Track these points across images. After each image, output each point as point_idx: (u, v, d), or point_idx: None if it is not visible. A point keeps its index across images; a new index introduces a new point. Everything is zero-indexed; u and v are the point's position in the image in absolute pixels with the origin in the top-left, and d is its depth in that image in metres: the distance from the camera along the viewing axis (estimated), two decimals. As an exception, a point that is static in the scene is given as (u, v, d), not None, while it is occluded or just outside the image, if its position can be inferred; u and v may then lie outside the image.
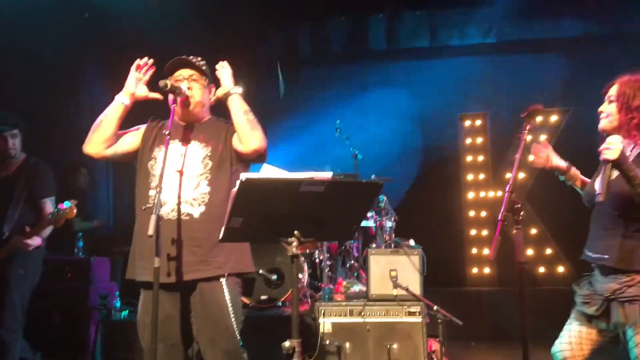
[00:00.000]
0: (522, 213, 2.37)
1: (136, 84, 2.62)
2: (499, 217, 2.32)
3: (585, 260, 2.42)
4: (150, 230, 2.11)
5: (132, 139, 2.68)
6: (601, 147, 2.20)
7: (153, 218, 2.13)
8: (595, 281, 2.37)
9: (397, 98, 6.59)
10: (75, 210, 3.57)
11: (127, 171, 2.94)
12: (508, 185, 2.38)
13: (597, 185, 2.33)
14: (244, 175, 1.85)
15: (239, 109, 2.57)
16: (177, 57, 2.66)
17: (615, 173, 2.29)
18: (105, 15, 5.94)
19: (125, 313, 4.93)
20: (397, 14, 6.68)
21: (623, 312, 2.20)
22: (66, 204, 3.53)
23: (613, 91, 2.34)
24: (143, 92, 2.64)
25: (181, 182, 2.48)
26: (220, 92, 2.65)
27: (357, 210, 2.17)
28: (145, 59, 2.63)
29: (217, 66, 2.67)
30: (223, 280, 2.48)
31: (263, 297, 4.80)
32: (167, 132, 2.37)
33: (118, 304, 5.00)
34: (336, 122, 5.66)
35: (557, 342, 2.49)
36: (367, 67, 6.79)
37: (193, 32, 6.14)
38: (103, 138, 2.59)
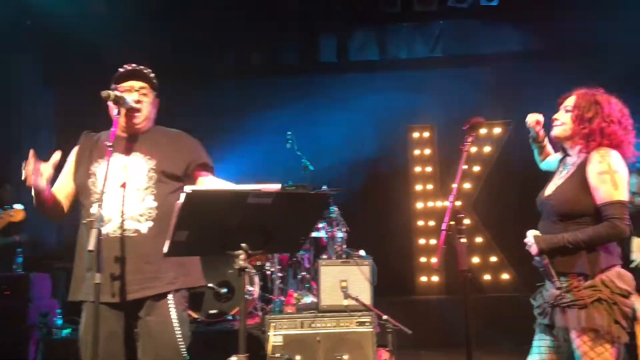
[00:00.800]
0: (465, 222, 2.43)
1: (40, 182, 2.37)
2: (443, 227, 2.37)
3: (535, 265, 2.47)
4: (91, 245, 2.03)
5: (69, 179, 2.58)
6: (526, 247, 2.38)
7: (94, 232, 2.06)
8: (545, 291, 2.42)
9: (348, 110, 6.67)
10: (22, 215, 3.41)
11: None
12: (451, 196, 2.44)
13: (547, 190, 2.47)
14: (188, 188, 1.82)
15: None
16: (130, 66, 2.57)
17: (562, 178, 2.41)
18: (48, 22, 5.77)
19: (67, 331, 4.75)
20: (348, 28, 6.79)
21: (563, 318, 2.25)
22: (16, 206, 3.39)
23: (570, 102, 2.43)
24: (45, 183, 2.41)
25: (124, 196, 2.40)
26: None
27: (306, 221, 2.17)
28: (28, 163, 2.33)
29: None
30: (170, 296, 2.42)
31: (212, 311, 4.73)
32: (109, 144, 2.28)
33: (60, 322, 4.82)
34: (287, 134, 5.68)
35: (528, 358, 2.49)
36: (318, 79, 6.84)
37: (141, 41, 6.04)
38: (54, 213, 2.53)
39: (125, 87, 2.53)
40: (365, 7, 6.43)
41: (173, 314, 2.41)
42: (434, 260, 6.56)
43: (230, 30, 6.53)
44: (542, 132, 2.73)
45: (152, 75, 2.61)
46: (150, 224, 2.41)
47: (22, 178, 2.33)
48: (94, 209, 2.37)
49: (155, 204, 2.44)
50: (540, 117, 2.68)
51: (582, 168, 2.32)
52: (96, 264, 2.11)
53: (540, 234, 2.36)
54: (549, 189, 2.47)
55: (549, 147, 2.77)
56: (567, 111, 2.43)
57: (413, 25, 6.80)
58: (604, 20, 5.80)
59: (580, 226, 2.28)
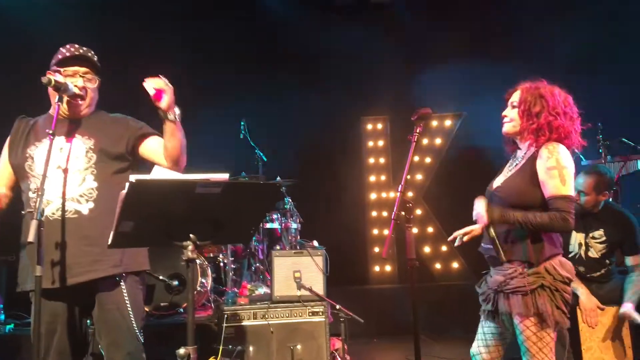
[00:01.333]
0: (416, 212, 2.48)
1: None
2: (392, 217, 2.41)
3: (481, 252, 2.53)
4: (31, 237, 1.96)
5: (6, 166, 2.49)
6: (474, 216, 2.39)
7: (33, 224, 1.98)
8: (489, 277, 2.47)
9: (304, 99, 6.66)
10: None
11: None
12: (400, 186, 2.47)
13: (495, 182, 2.53)
14: (133, 177, 1.77)
15: (178, 134, 2.44)
16: (74, 48, 2.47)
17: (511, 171, 2.47)
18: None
19: (10, 327, 4.57)
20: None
21: (507, 303, 2.31)
22: None
23: (515, 97, 2.48)
24: None
25: (66, 178, 2.34)
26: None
27: (256, 212, 2.15)
28: None
29: (150, 83, 2.32)
30: (122, 281, 2.41)
31: (163, 304, 4.65)
32: (50, 132, 2.19)
33: (2, 317, 4.62)
34: (241, 123, 5.62)
35: (474, 344, 2.56)
36: (274, 68, 6.77)
37: (91, 27, 5.82)
38: None
39: (69, 72, 2.44)
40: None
41: (126, 298, 2.40)
42: (381, 249, 6.67)
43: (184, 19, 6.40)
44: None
45: (96, 58, 2.52)
46: (92, 205, 2.37)
47: None
48: (32, 194, 2.31)
49: (95, 184, 2.40)
50: (464, 231, 2.55)
51: (531, 161, 2.38)
52: (36, 256, 2.04)
53: (489, 206, 2.37)
54: (498, 181, 2.53)
55: None
56: (513, 107, 2.48)
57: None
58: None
59: None
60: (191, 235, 1.94)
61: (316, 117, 6.68)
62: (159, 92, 2.31)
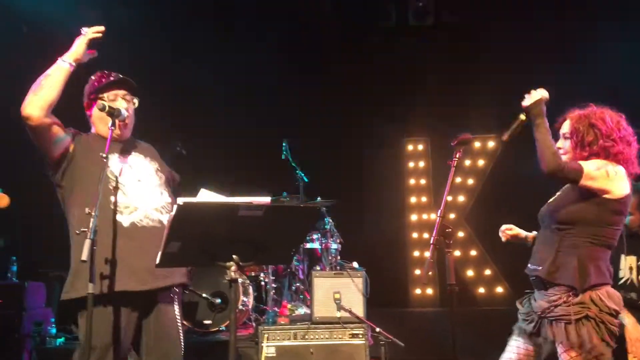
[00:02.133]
0: (459, 235, 2.50)
1: (85, 50, 2.48)
2: (431, 241, 2.41)
3: (527, 273, 2.53)
4: (84, 256, 2.07)
5: (63, 134, 2.52)
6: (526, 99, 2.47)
7: (87, 243, 2.09)
8: (534, 299, 2.47)
9: (345, 119, 6.72)
10: (6, 201, 3.39)
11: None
12: (439, 210, 2.48)
13: (549, 202, 2.53)
14: (181, 200, 1.86)
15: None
16: (113, 75, 2.64)
17: (562, 192, 2.48)
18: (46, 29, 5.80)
19: (61, 340, 4.75)
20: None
21: (551, 331, 2.30)
22: None
23: (566, 128, 2.49)
24: (85, 59, 2.52)
25: (141, 189, 2.54)
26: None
27: (296, 234, 2.21)
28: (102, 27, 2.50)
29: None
30: (175, 294, 2.56)
31: (206, 322, 4.74)
32: (104, 155, 2.33)
33: (54, 331, 4.81)
34: (283, 144, 5.72)
35: (502, 356, 2.61)
36: (315, 88, 6.87)
37: (139, 47, 6.08)
38: (46, 101, 2.37)
39: (110, 96, 2.58)
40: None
41: (176, 309, 2.54)
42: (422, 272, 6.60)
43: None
44: (514, 234, 2.72)
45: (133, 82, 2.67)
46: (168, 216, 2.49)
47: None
48: (112, 198, 2.44)
49: (169, 199, 2.62)
50: (505, 227, 2.73)
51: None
52: (89, 273, 2.15)
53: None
54: (550, 200, 2.54)
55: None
56: (566, 138, 2.49)
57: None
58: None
59: (574, 236, 2.34)
60: (234, 256, 2.00)
61: (357, 138, 6.73)
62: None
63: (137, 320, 2.48)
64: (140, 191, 2.51)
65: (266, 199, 1.99)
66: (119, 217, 2.42)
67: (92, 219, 2.17)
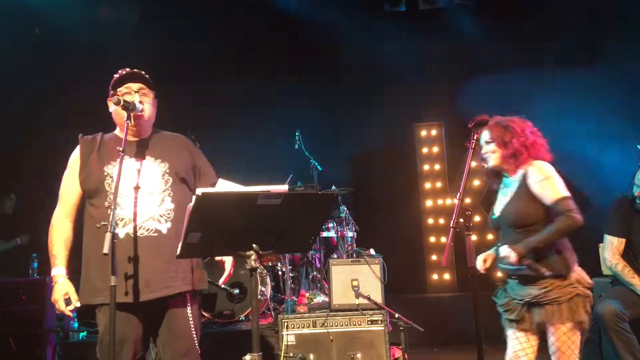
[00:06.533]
0: (475, 219, 2.49)
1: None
2: (451, 225, 2.41)
3: (503, 271, 2.70)
4: (106, 249, 2.08)
5: (76, 188, 2.58)
6: (503, 261, 2.61)
7: (108, 236, 2.10)
8: (511, 289, 2.66)
9: (357, 107, 6.69)
10: None
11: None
12: (458, 193, 2.47)
13: (496, 210, 2.77)
14: (199, 190, 1.86)
15: None
16: (125, 70, 2.61)
17: (507, 196, 2.66)
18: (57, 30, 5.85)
19: (83, 334, 4.82)
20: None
21: (544, 313, 2.50)
22: None
23: (487, 136, 2.74)
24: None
25: (138, 198, 2.45)
26: None
27: (314, 221, 2.19)
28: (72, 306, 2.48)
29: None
30: (188, 299, 2.52)
31: (226, 312, 4.78)
32: (121, 149, 2.32)
33: (76, 325, 4.88)
34: (295, 133, 5.72)
35: (506, 356, 2.70)
36: (327, 77, 6.84)
37: (148, 46, 6.11)
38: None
39: (123, 90, 2.55)
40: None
41: (189, 312, 2.51)
42: (438, 257, 6.58)
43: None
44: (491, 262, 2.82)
45: (147, 76, 2.63)
46: (169, 225, 2.49)
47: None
48: (117, 211, 2.40)
49: (172, 205, 2.52)
50: (482, 258, 2.80)
51: (523, 182, 2.61)
52: (111, 267, 2.16)
53: (511, 246, 2.54)
54: (498, 209, 2.75)
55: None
56: (488, 143, 2.74)
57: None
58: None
59: (537, 232, 2.52)
60: (254, 245, 2.00)
61: (370, 125, 6.70)
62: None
63: (148, 323, 2.49)
64: (138, 201, 2.45)
65: (284, 187, 1.98)
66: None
67: (111, 214, 2.18)
